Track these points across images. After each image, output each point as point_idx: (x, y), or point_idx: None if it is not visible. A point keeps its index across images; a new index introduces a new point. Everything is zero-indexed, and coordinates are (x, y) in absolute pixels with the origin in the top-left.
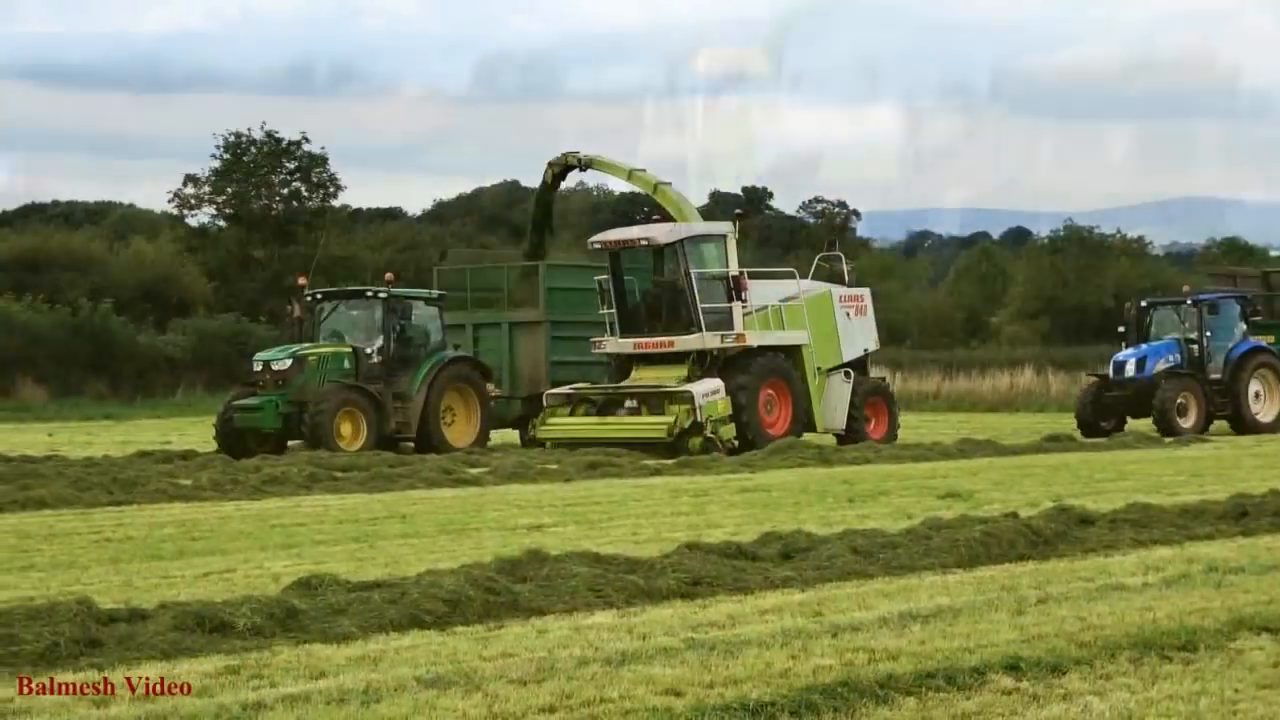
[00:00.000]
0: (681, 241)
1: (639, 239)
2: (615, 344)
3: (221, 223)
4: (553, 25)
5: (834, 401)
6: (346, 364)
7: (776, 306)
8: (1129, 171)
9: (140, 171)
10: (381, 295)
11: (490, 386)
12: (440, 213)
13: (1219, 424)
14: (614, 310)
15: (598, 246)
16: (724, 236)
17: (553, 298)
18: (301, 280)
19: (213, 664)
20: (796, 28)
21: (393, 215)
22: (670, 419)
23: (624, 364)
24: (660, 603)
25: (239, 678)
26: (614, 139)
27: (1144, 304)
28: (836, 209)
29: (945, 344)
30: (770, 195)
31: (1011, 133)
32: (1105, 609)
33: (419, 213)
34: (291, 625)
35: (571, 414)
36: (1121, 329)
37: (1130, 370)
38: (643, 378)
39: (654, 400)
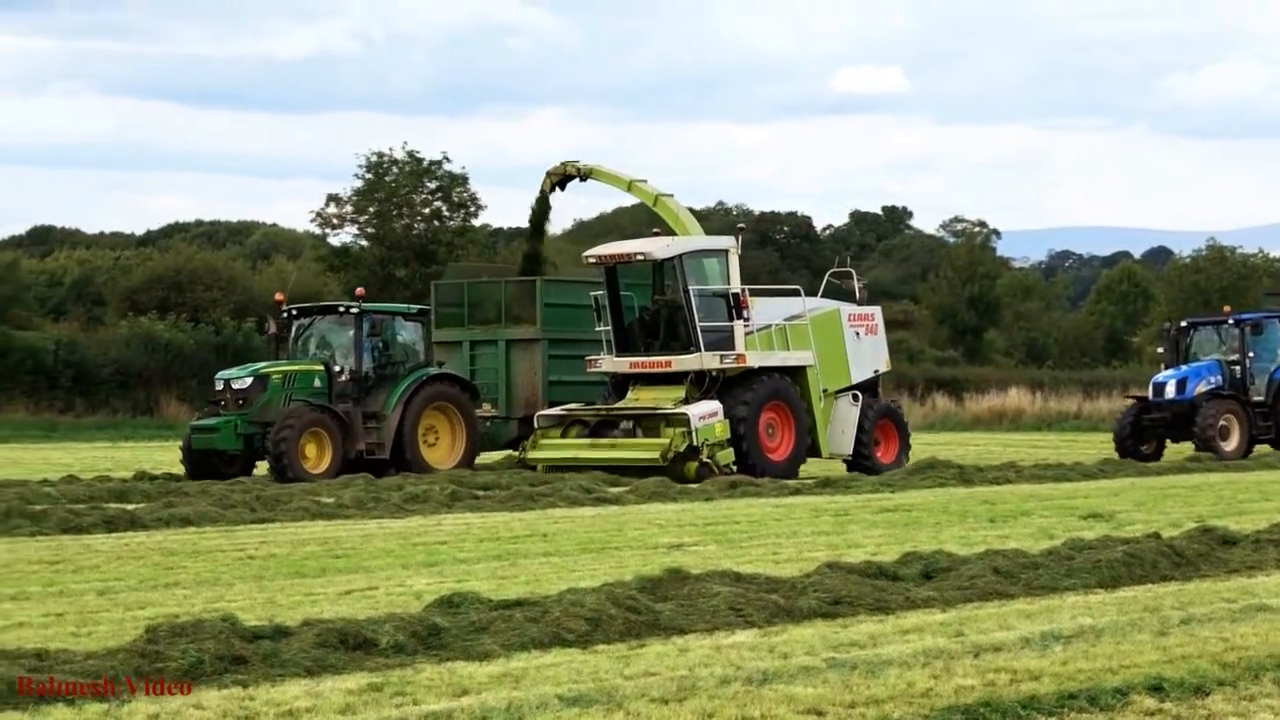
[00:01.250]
0: (680, 257)
1: (634, 254)
2: (611, 363)
3: (363, 242)
4: (695, 45)
5: (841, 425)
6: (317, 382)
7: (781, 326)
8: (1273, 190)
9: (282, 191)
10: (354, 310)
11: (485, 406)
12: (580, 232)
13: (1261, 448)
14: (610, 328)
15: (592, 261)
16: (725, 252)
17: (550, 314)
18: (279, 296)
19: (356, 681)
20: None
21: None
22: (665, 442)
23: (621, 384)
24: (801, 622)
25: (382, 695)
26: (753, 160)
27: (1184, 324)
28: (976, 228)
29: (1086, 364)
30: (910, 214)
31: (1153, 151)
32: (1249, 630)
33: (559, 232)
34: (434, 643)
35: (564, 436)
36: (1160, 349)
37: (1170, 392)
38: (640, 399)
39: (649, 422)
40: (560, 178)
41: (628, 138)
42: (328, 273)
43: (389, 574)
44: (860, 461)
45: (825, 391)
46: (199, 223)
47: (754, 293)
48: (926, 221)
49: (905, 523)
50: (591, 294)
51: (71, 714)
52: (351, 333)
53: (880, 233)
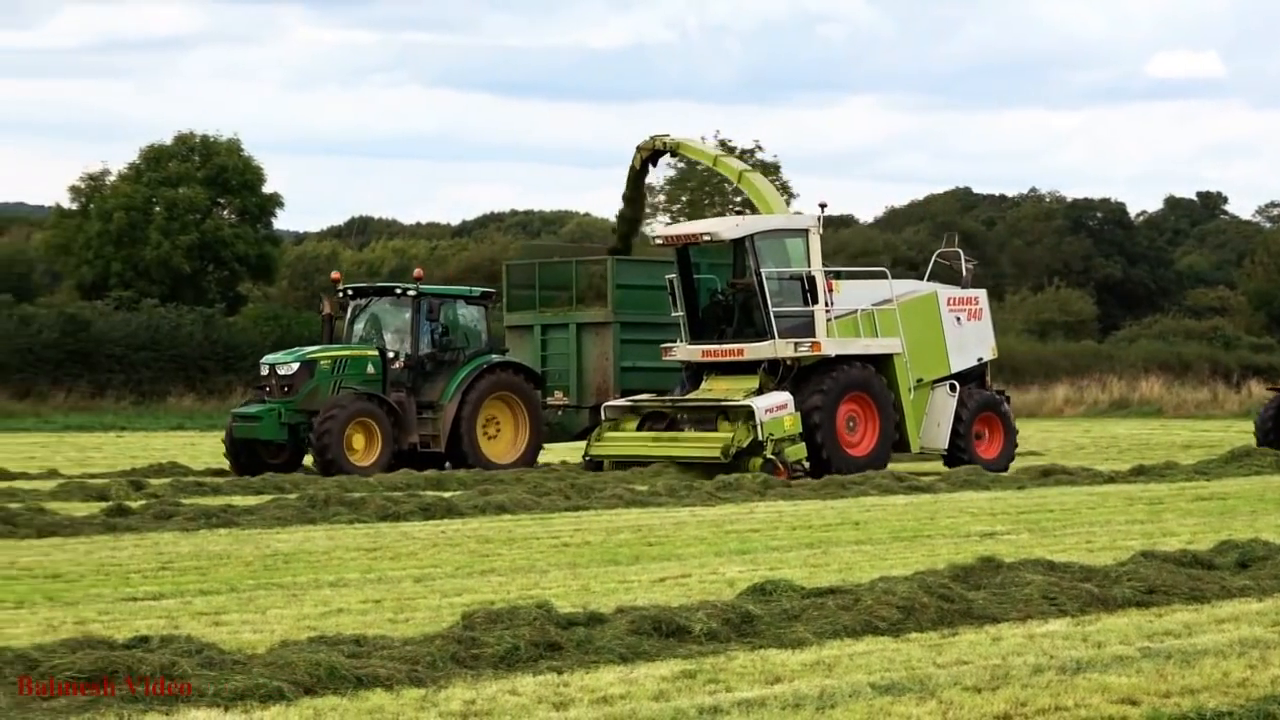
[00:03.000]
0: (751, 237)
1: (701, 234)
2: (685, 351)
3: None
4: (1008, 31)
5: (937, 418)
6: (370, 368)
7: (868, 311)
8: None
9: (597, 180)
10: (410, 293)
11: (557, 394)
12: (891, 219)
13: None
14: (684, 313)
15: (659, 242)
16: (805, 232)
17: (624, 296)
18: (335, 275)
19: (669, 668)
20: (1252, 29)
21: (845, 222)
22: (728, 436)
23: (696, 373)
24: (1115, 611)
25: (695, 682)
26: (1066, 146)
27: None
28: None
29: None
30: (1225, 200)
31: None
32: None
33: (870, 219)
34: (747, 630)
35: (636, 428)
36: None
37: None
38: (713, 389)
39: (716, 415)
40: (650, 152)
41: (940, 125)
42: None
43: (701, 561)
44: (957, 456)
45: (920, 381)
46: (514, 212)
47: (840, 275)
48: (1242, 207)
49: (1220, 511)
50: (666, 277)
51: (389, 699)
52: (408, 316)
53: (1195, 218)
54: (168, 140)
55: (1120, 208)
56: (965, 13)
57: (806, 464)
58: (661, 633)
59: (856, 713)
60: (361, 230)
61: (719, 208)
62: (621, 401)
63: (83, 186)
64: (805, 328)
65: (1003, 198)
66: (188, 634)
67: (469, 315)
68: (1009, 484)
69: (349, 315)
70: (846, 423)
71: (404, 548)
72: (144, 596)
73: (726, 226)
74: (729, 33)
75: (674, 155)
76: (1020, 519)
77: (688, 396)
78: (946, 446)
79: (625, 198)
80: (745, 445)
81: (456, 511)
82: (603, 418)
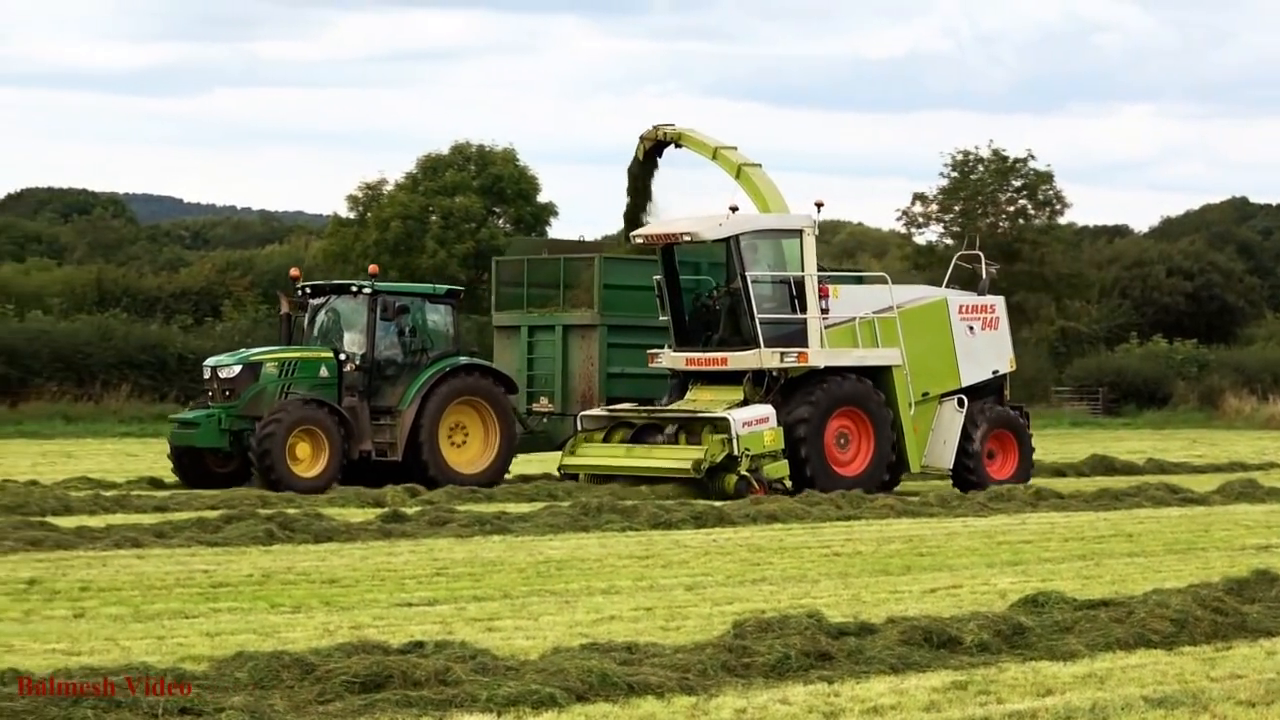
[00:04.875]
0: (736, 238)
1: (681, 234)
2: (670, 358)
3: (948, 241)
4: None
5: (943, 435)
6: (324, 371)
7: (868, 319)
8: None
9: (868, 190)
10: (366, 291)
11: (542, 400)
12: (1167, 229)
13: None
14: (670, 317)
15: (640, 241)
16: (799, 232)
17: (612, 297)
18: (294, 271)
19: (940, 679)
20: None
21: (1119, 232)
22: (700, 452)
23: (683, 382)
24: None
25: (966, 693)
26: None
27: None
28: None
29: None
30: None
31: None
32: None
33: (1145, 229)
34: (1018, 642)
35: (606, 440)
36: None
37: None
38: (697, 399)
39: (695, 427)
40: (653, 143)
41: (1216, 133)
42: (913, 271)
43: (973, 572)
44: (964, 476)
45: (926, 395)
46: None
47: (834, 280)
48: None
49: None
50: (654, 277)
51: (660, 706)
52: (364, 316)
53: None
54: (444, 150)
55: None
56: (1242, 20)
57: (788, 483)
58: (932, 643)
59: None
60: None
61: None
62: (597, 411)
63: (360, 195)
64: (795, 336)
65: None
66: (461, 639)
67: (435, 315)
68: None
69: (308, 315)
70: (837, 439)
71: (676, 556)
72: (419, 602)
73: (708, 226)
74: (1003, 41)
75: (677, 147)
76: None
77: (669, 407)
78: (951, 466)
79: (627, 190)
80: (719, 460)
81: (728, 520)
82: (578, 428)
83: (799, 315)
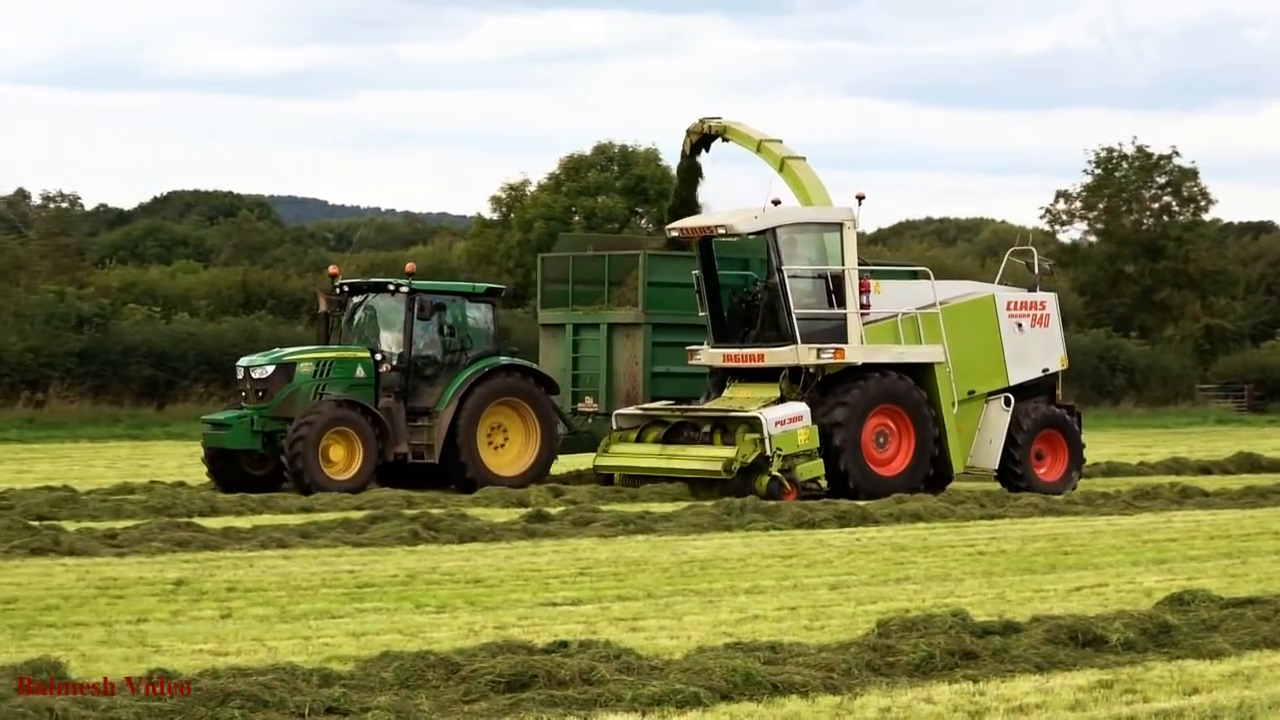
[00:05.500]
0: (773, 230)
1: (716, 226)
2: (708, 355)
3: (1092, 238)
4: None
5: (989, 434)
6: (360, 371)
7: (911, 315)
8: None
9: (1012, 188)
10: (403, 289)
11: (587, 400)
12: None
13: None
14: (708, 313)
15: (674, 234)
16: (839, 226)
17: (657, 294)
18: (333, 269)
19: (1085, 678)
20: None
21: (1265, 229)
22: (731, 451)
23: (721, 379)
24: None
25: (1111, 692)
26: None
27: None
28: None
29: None
30: None
31: None
32: None
33: None
34: (1164, 640)
35: (640, 440)
36: None
37: None
38: (735, 397)
39: (730, 426)
40: (699, 136)
41: None
42: (1057, 268)
43: (1118, 571)
44: (1010, 477)
45: (971, 394)
46: (929, 220)
47: (881, 275)
48: None
49: None
50: (693, 273)
51: (805, 705)
52: (402, 315)
53: None
54: (587, 150)
55: None
56: None
57: (823, 483)
58: (1078, 642)
59: None
60: None
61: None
62: (632, 410)
63: (503, 196)
64: (834, 332)
65: None
66: (606, 639)
67: (475, 314)
68: None
69: (346, 314)
70: (876, 438)
71: (819, 555)
72: (562, 602)
73: (744, 219)
74: (1149, 37)
75: (725, 141)
76: None
77: (704, 405)
78: (997, 466)
79: (675, 189)
80: (751, 461)
81: (871, 519)
82: (613, 426)
83: (838, 311)
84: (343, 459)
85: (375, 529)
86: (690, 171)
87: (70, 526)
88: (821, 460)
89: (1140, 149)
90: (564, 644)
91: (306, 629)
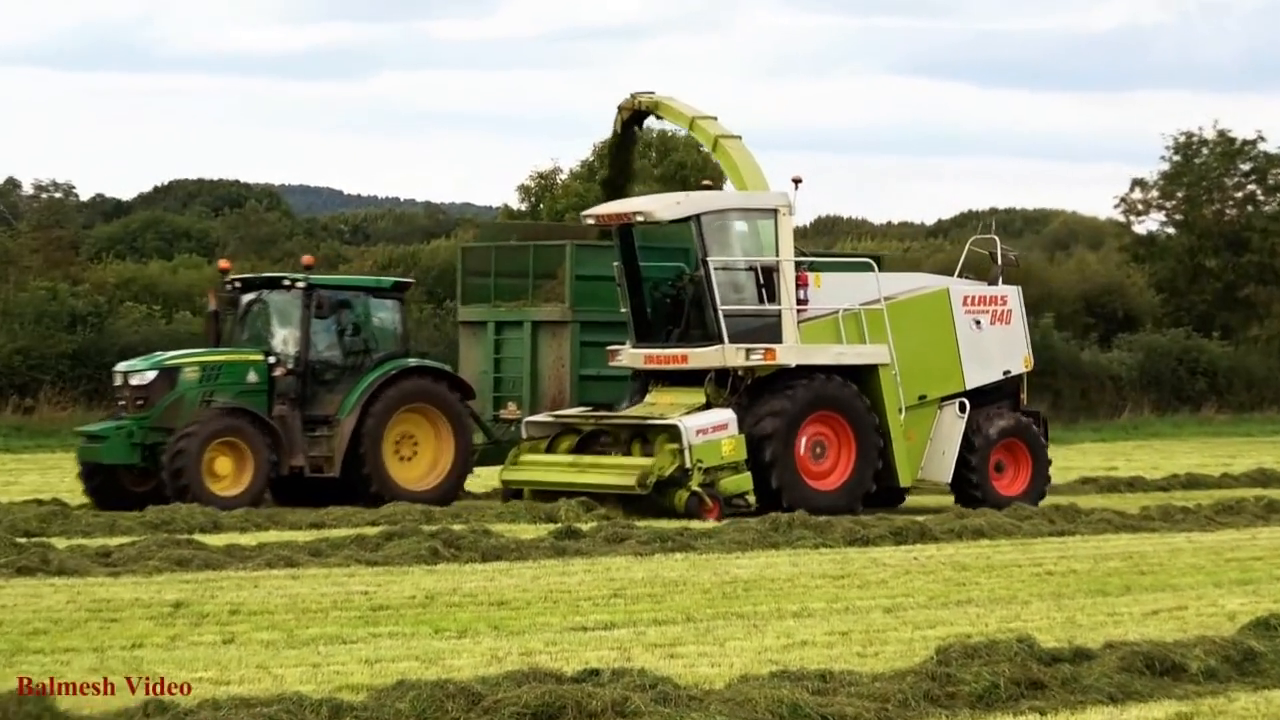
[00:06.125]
0: (697, 217)
1: (633, 213)
2: (629, 355)
3: (1170, 230)
4: None
5: (942, 444)
6: (253, 376)
7: (854, 312)
8: None
9: (1083, 177)
10: (299, 285)
11: (510, 406)
12: None
13: None
14: (629, 309)
15: (590, 222)
16: (773, 212)
17: (584, 289)
18: (223, 264)
19: (1163, 709)
20: None
21: None
22: (646, 464)
23: (645, 382)
24: None
25: None
26: None
27: None
28: None
29: None
30: None
31: None
32: None
33: None
34: (1248, 669)
35: (550, 450)
36: None
37: None
38: (657, 403)
39: (649, 434)
40: (630, 112)
41: None
42: (1131, 263)
43: (1199, 592)
44: (966, 491)
45: (922, 399)
46: (994, 210)
47: (822, 267)
48: None
49: None
50: (613, 264)
51: None
52: (299, 313)
53: None
54: None
55: None
56: None
57: (751, 499)
58: (1154, 670)
59: None
60: (829, 229)
61: None
62: (542, 417)
63: (532, 185)
64: (766, 331)
65: None
66: (640, 667)
67: (381, 312)
68: None
69: (239, 312)
70: (812, 449)
71: (873, 575)
72: (594, 626)
73: (665, 205)
74: (1232, 12)
75: (659, 118)
76: None
77: (623, 412)
78: (950, 479)
79: (605, 171)
80: (669, 474)
81: (930, 536)
82: (522, 435)
83: (771, 307)
84: (230, 473)
85: (391, 546)
86: (620, 150)
87: (60, 544)
88: (749, 474)
89: (1222, 133)
90: (595, 672)
91: (315, 655)
